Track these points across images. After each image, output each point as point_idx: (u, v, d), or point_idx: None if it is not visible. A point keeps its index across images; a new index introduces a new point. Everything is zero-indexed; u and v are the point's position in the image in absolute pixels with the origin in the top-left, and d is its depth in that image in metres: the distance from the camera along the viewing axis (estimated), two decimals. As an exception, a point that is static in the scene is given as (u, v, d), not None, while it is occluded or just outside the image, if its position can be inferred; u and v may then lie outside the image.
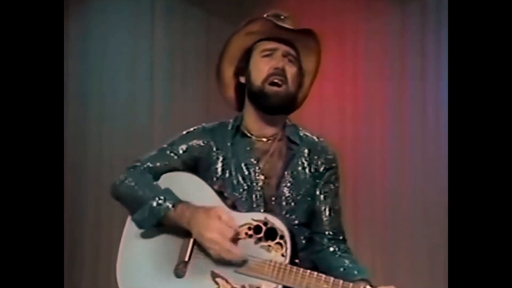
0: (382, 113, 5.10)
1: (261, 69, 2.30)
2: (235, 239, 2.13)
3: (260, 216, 2.16)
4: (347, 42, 5.23)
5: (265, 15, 2.34)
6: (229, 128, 2.37)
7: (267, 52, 2.31)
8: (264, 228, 2.14)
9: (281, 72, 2.29)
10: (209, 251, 2.14)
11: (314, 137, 2.41)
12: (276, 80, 2.28)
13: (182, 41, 5.27)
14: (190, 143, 2.34)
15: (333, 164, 2.37)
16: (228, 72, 2.38)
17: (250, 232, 2.15)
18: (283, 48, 2.31)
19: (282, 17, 2.33)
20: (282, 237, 2.12)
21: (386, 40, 5.13)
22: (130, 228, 2.29)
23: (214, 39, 5.08)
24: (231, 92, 2.41)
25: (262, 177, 2.30)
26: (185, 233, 2.20)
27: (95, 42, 4.90)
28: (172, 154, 2.33)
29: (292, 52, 2.32)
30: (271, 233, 2.13)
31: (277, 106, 2.30)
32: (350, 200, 4.80)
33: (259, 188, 2.28)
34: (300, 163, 2.33)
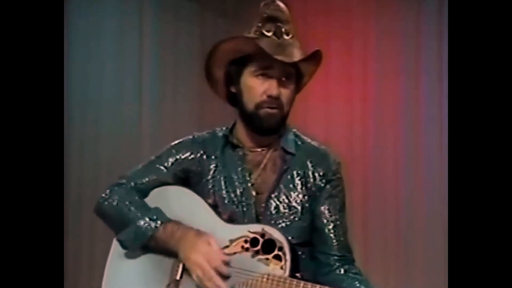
0: (394, 115, 5.12)
1: (254, 92, 2.26)
2: (220, 272, 2.14)
3: (257, 227, 2.18)
4: (355, 40, 5.24)
5: (261, 4, 2.30)
6: (220, 137, 2.37)
7: (261, 72, 2.26)
8: (261, 240, 2.16)
9: (275, 101, 2.25)
10: (192, 275, 2.17)
11: (315, 144, 2.39)
12: (270, 107, 2.26)
13: (173, 38, 5.27)
14: (180, 155, 2.36)
15: (336, 175, 2.34)
16: (219, 73, 2.35)
17: (247, 245, 2.17)
18: (279, 66, 2.25)
19: (280, 22, 2.26)
20: (281, 248, 2.14)
21: (400, 39, 5.14)
22: (117, 247, 2.31)
23: (208, 37, 5.06)
24: (222, 87, 2.37)
25: (253, 192, 2.30)
26: (175, 256, 2.22)
27: (78, 41, 4.90)
28: (161, 167, 2.35)
29: (289, 69, 2.27)
30: (269, 245, 2.15)
31: (271, 129, 2.30)
32: (360, 209, 4.81)
33: (250, 204, 2.29)
34: (295, 176, 2.31)
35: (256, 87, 2.27)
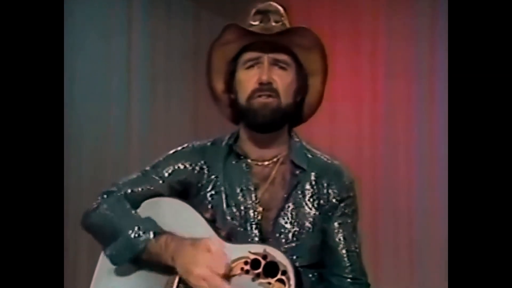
0: (405, 117, 5.17)
1: (245, 85, 2.27)
2: (227, 276, 2.12)
3: (258, 248, 2.15)
4: (364, 39, 5.28)
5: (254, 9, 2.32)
6: (222, 146, 2.36)
7: (250, 63, 2.28)
8: (263, 262, 2.12)
9: (267, 87, 2.24)
10: None
11: (326, 159, 2.38)
12: (263, 95, 2.25)
13: (165, 37, 5.28)
14: (177, 165, 2.35)
15: (349, 194, 2.34)
16: (219, 86, 2.36)
17: (247, 267, 2.14)
18: (268, 55, 2.26)
19: (269, 13, 2.29)
20: (284, 272, 2.10)
21: (411, 37, 5.18)
22: (104, 264, 2.29)
23: (203, 35, 5.11)
24: (226, 108, 2.39)
25: (260, 208, 2.29)
26: (169, 269, 2.19)
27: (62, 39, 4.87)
28: (156, 177, 2.34)
29: (282, 57, 2.27)
30: (272, 268, 2.11)
31: (267, 122, 2.27)
32: (369, 212, 4.81)
33: (255, 222, 2.28)
34: (306, 192, 2.31)
35: (247, 79, 2.28)
